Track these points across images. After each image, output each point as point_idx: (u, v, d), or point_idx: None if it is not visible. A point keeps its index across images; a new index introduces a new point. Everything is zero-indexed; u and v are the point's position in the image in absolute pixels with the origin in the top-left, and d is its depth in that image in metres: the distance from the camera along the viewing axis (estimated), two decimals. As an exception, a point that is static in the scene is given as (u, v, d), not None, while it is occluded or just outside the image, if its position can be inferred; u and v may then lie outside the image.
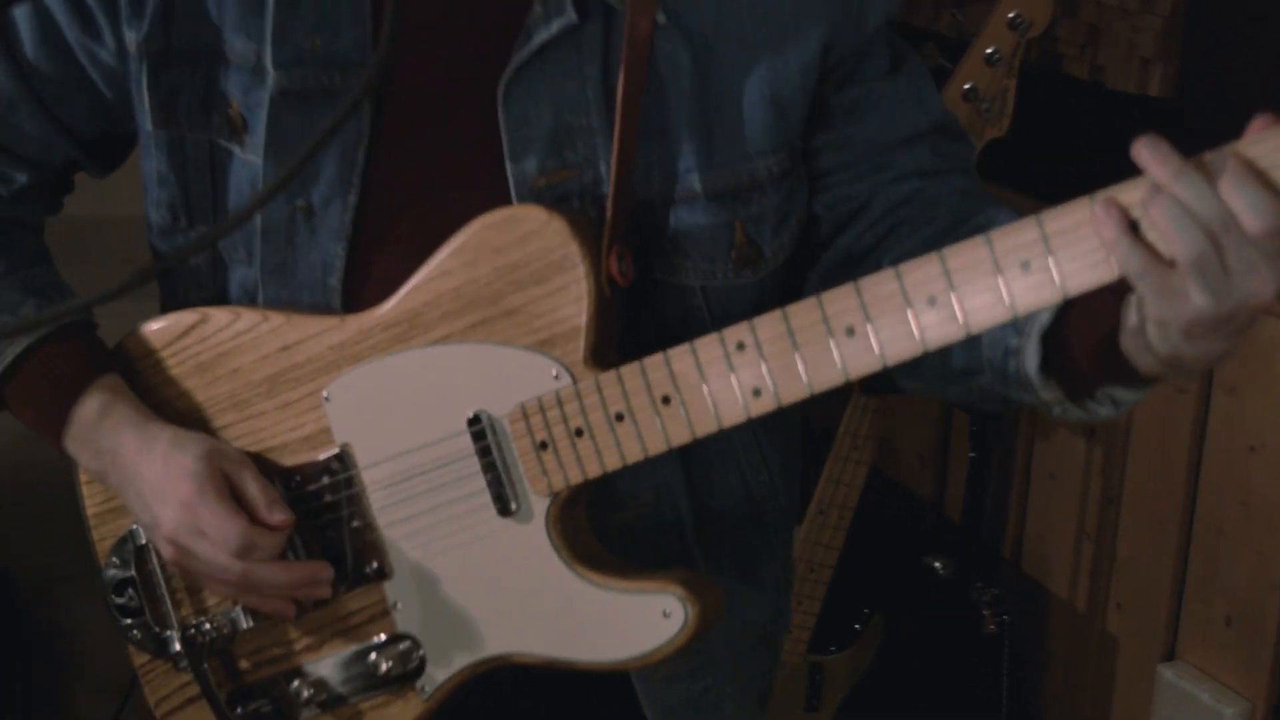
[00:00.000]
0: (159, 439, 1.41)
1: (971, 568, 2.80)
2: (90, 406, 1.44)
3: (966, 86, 2.49)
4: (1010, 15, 2.45)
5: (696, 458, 1.44)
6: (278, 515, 1.38)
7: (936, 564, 2.81)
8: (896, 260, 1.24)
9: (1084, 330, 1.21)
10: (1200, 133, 2.44)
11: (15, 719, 3.13)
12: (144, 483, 1.41)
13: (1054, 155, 2.74)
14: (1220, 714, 2.57)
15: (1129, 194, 1.10)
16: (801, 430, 1.61)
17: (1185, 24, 2.54)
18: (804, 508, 2.73)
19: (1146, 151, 1.07)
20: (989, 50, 2.48)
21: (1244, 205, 1.04)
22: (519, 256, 1.32)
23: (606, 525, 1.42)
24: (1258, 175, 1.05)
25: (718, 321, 1.33)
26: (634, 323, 1.37)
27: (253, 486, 1.39)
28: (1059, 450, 2.89)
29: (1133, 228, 1.09)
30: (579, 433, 1.32)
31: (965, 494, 2.82)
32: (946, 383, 1.33)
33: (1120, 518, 2.77)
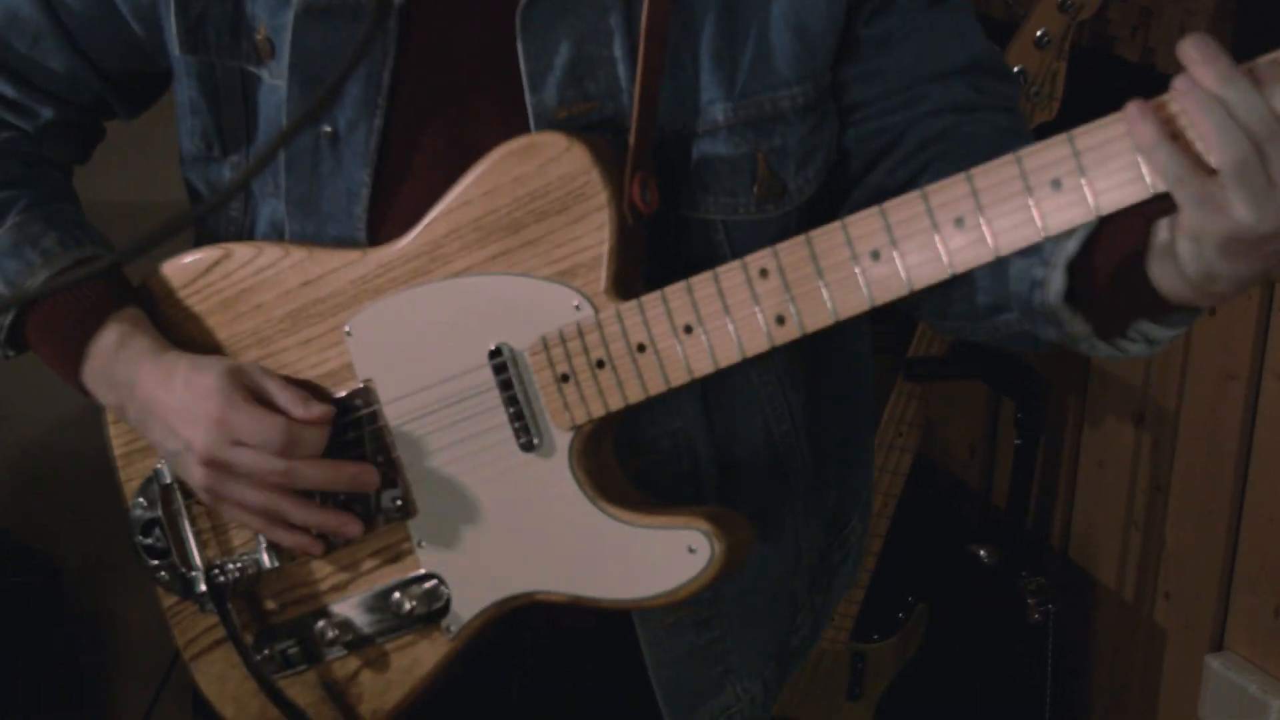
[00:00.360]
0: (177, 366, 1.40)
1: (1018, 557, 2.77)
2: (108, 338, 1.43)
3: (1015, 70, 2.46)
4: (1058, -2, 2.42)
5: (719, 405, 1.42)
6: (315, 408, 1.37)
7: (982, 553, 2.78)
8: None
9: (1112, 259, 1.18)
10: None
11: (60, 707, 3.15)
12: (167, 410, 1.39)
13: None
14: (1268, 705, 2.53)
15: (1169, 104, 1.07)
16: (860, 392, 1.58)
17: (1237, 5, 2.51)
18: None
19: (1194, 50, 1.04)
20: (1039, 33, 2.46)
21: None
22: (539, 185, 1.31)
23: (627, 471, 1.40)
24: None
25: (740, 258, 1.30)
26: (656, 258, 1.36)
27: (280, 389, 1.38)
28: (1107, 438, 2.86)
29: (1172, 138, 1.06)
30: (600, 364, 1.30)
31: (1011, 482, 2.79)
32: (975, 320, 1.31)
33: (1169, 506, 2.73)
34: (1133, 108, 1.07)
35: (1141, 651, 2.82)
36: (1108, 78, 2.69)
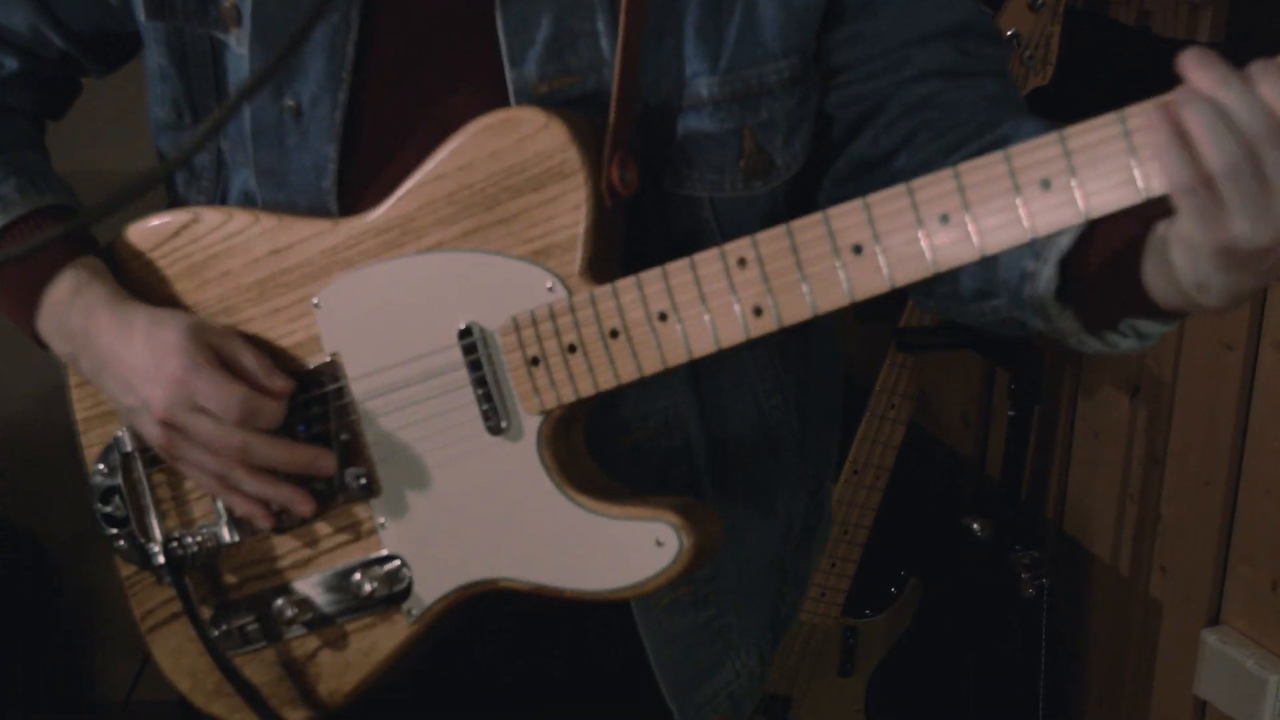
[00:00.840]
0: (135, 317, 1.37)
1: (1011, 530, 2.74)
2: (63, 286, 1.40)
3: (1009, 33, 2.42)
4: (1052, -42, 2.38)
5: (709, 381, 1.40)
6: (278, 381, 1.34)
7: (975, 526, 2.75)
8: (913, 168, 1.19)
9: (1105, 258, 1.15)
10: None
11: (49, 679, 3.14)
12: (124, 366, 1.36)
13: (1099, 104, 2.64)
14: (1265, 681, 2.50)
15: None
16: (837, 366, 1.56)
17: None
18: (839, 467, 2.68)
19: (1191, 60, 1.02)
20: None
21: None
22: (516, 161, 1.28)
23: (612, 450, 1.37)
24: None
25: (727, 235, 1.28)
26: (641, 237, 1.33)
27: (246, 356, 1.35)
28: (1103, 409, 2.82)
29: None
30: (572, 348, 1.27)
31: (1005, 454, 2.76)
32: (961, 303, 1.28)
33: (1165, 478, 2.70)
34: (1154, 109, 1.04)
35: (1137, 626, 2.80)
36: (1102, 41, 2.66)
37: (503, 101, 1.31)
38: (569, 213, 1.27)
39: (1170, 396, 2.67)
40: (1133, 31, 2.62)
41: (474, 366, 1.31)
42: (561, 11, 1.30)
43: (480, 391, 1.31)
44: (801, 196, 1.39)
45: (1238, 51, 2.50)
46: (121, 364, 1.37)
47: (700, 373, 1.39)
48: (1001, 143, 1.12)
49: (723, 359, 1.28)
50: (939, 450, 3.18)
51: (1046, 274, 1.16)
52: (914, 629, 2.84)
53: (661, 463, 1.40)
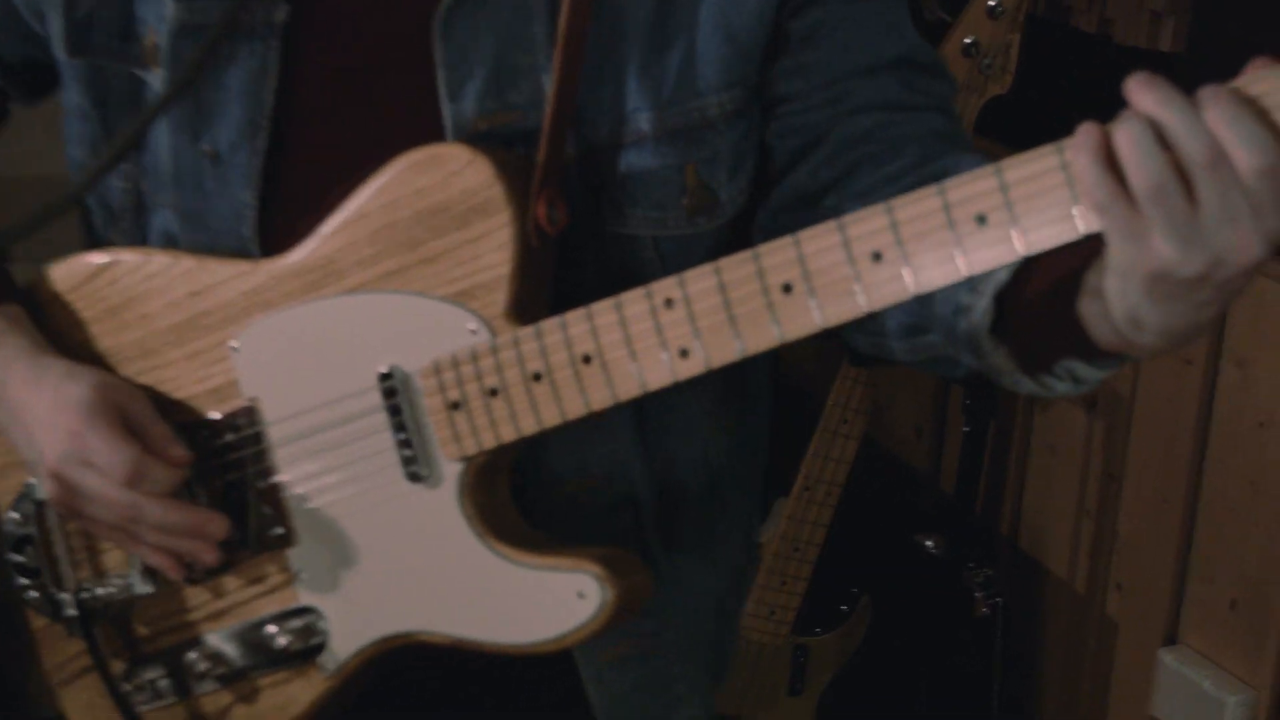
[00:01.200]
0: (50, 370, 1.33)
1: (965, 546, 2.71)
2: None
3: (967, 41, 2.40)
4: (1014, -33, 2.35)
5: (655, 425, 1.36)
6: (175, 450, 1.30)
7: (928, 543, 2.72)
8: (852, 201, 1.16)
9: (1044, 293, 1.11)
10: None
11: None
12: (30, 416, 1.32)
13: (1060, 113, 2.65)
14: (1223, 702, 2.48)
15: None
16: (770, 390, 1.53)
17: None
18: (791, 483, 2.63)
19: (1135, 83, 0.98)
20: (991, 3, 2.39)
21: (1238, 138, 0.94)
22: (441, 199, 1.24)
23: (550, 501, 1.34)
24: (1256, 110, 0.95)
25: (672, 274, 1.23)
26: (579, 277, 1.29)
27: (148, 420, 1.31)
28: (1059, 423, 2.80)
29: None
30: (494, 392, 1.23)
31: (959, 469, 2.73)
32: (893, 338, 1.24)
33: (1122, 495, 2.68)
34: (1080, 130, 1.00)
35: (1093, 645, 2.78)
36: (1063, 49, 2.65)
37: (439, 139, 1.27)
38: (494, 252, 1.23)
39: (1128, 411, 2.65)
40: (1093, 40, 2.61)
41: (394, 411, 1.26)
42: (503, 46, 1.26)
43: (400, 437, 1.27)
44: (746, 231, 1.36)
45: (1198, 61, 2.49)
46: (29, 414, 1.33)
47: (645, 417, 1.35)
48: (939, 176, 1.09)
49: (669, 402, 1.25)
50: (893, 465, 3.15)
51: (981, 307, 1.13)
52: (866, 647, 2.80)
53: (604, 514, 1.37)
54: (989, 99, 2.40)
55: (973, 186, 1.04)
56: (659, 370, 1.18)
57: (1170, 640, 2.61)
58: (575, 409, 1.21)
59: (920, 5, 2.64)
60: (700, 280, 1.15)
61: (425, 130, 1.27)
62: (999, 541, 2.93)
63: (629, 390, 1.19)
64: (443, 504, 1.26)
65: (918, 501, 3.07)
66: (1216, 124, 0.95)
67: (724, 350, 1.15)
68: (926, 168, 1.21)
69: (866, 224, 1.08)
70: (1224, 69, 2.59)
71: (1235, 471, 2.47)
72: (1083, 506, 2.76)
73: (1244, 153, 0.94)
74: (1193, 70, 2.46)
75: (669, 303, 1.16)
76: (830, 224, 1.10)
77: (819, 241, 1.10)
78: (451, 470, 1.26)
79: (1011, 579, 2.86)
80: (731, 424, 1.43)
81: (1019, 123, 2.49)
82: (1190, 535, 2.56)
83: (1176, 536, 2.56)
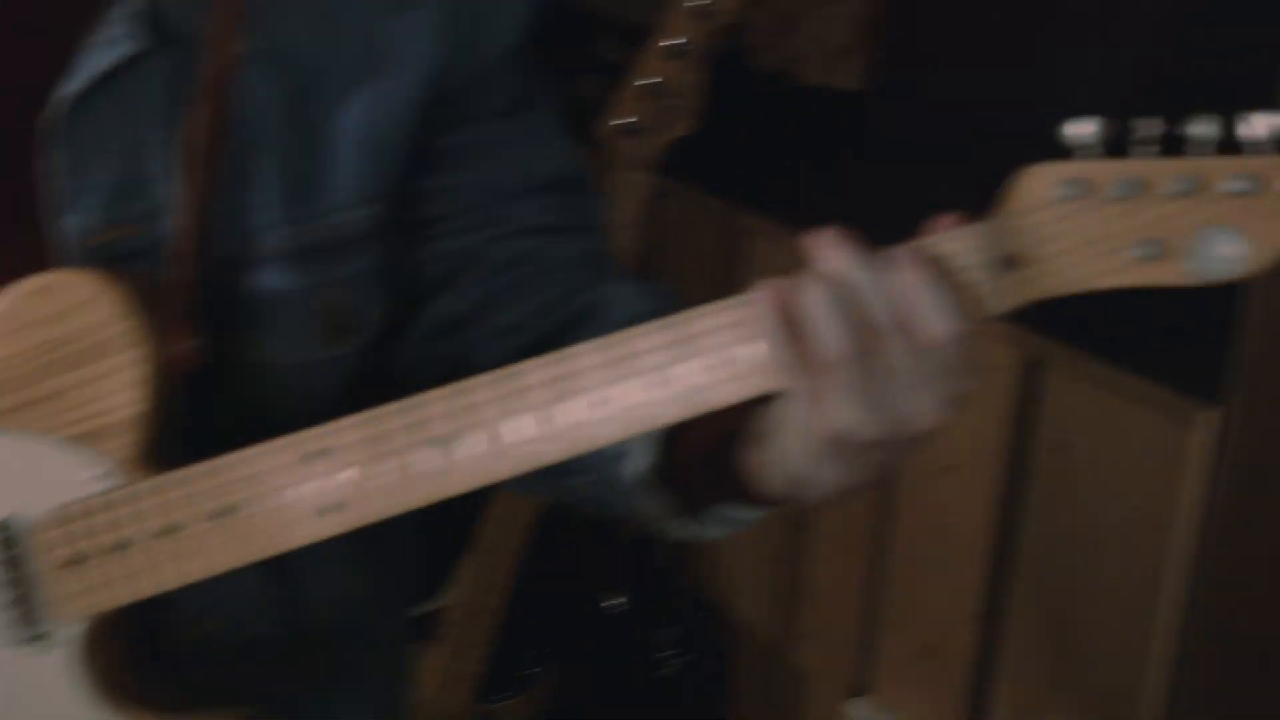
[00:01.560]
0: None
1: (650, 602, 2.69)
2: None
3: (648, 81, 2.33)
4: (691, 4, 2.28)
5: (286, 565, 1.25)
6: None
7: (609, 602, 2.68)
8: (506, 329, 1.16)
9: (706, 439, 1.08)
10: (892, 127, 2.34)
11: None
12: None
13: (744, 151, 2.63)
14: (913, 753, 2.49)
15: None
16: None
17: (885, 15, 2.44)
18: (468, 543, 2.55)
19: (822, 242, 0.96)
20: (673, 42, 2.32)
21: (927, 304, 0.93)
22: (62, 332, 1.13)
23: (179, 644, 1.25)
24: (943, 271, 0.94)
25: (309, 403, 1.17)
26: (211, 409, 1.19)
27: None
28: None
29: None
30: (119, 547, 1.13)
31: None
32: (534, 482, 1.16)
33: (810, 542, 2.67)
34: (762, 287, 0.98)
35: (780, 696, 2.77)
36: (746, 88, 2.60)
37: (49, 254, 1.17)
38: (123, 391, 1.13)
39: (814, 459, 2.61)
40: (776, 79, 2.58)
41: (11, 564, 1.16)
42: (120, 154, 1.16)
43: (15, 594, 1.16)
44: (393, 358, 1.30)
45: (878, 102, 2.46)
46: None
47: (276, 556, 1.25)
48: (586, 310, 1.12)
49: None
50: (578, 521, 3.06)
51: (641, 450, 1.11)
52: (552, 713, 2.73)
53: (233, 656, 1.29)
54: (675, 139, 2.35)
55: (644, 341, 1.01)
56: (303, 526, 1.11)
57: (860, 690, 2.61)
58: (209, 567, 1.13)
59: (595, 47, 2.54)
60: (351, 432, 1.09)
61: (31, 244, 1.17)
62: (687, 594, 2.90)
63: (270, 547, 1.12)
64: (56, 670, 1.16)
65: (603, 557, 3.00)
66: (906, 288, 0.93)
67: (374, 506, 1.10)
68: (572, 301, 1.22)
69: (537, 374, 1.04)
70: (903, 108, 2.60)
71: (922, 518, 2.47)
72: (770, 554, 2.74)
73: (934, 319, 0.92)
74: (872, 108, 2.44)
75: (319, 453, 1.09)
76: (487, 376, 1.05)
77: (479, 394, 1.05)
78: (66, 632, 1.16)
79: (699, 634, 2.83)
80: (371, 560, 1.36)
81: (706, 162, 2.49)
82: (879, 583, 2.56)
83: (864, 584, 2.56)
